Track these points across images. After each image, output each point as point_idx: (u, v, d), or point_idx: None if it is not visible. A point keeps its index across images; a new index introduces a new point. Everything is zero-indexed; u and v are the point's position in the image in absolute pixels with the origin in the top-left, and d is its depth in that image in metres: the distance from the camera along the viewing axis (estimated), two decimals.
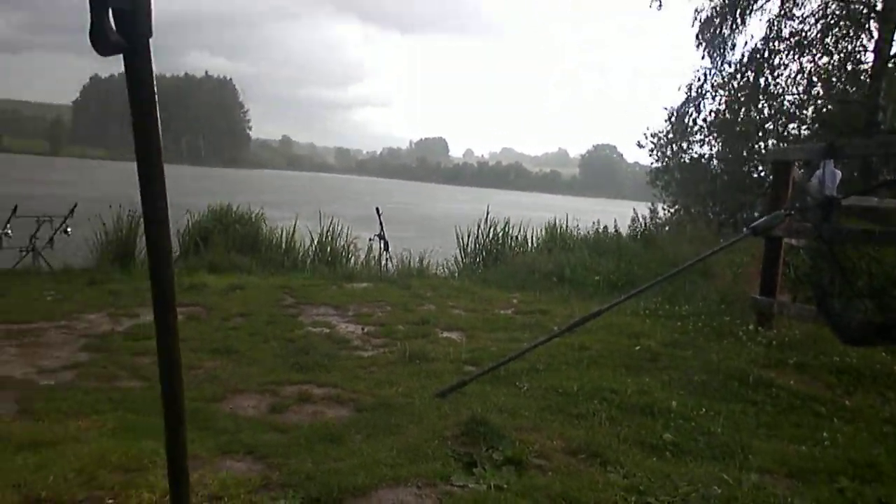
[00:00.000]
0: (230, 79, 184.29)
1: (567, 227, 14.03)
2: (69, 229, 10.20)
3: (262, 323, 6.62)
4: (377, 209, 10.73)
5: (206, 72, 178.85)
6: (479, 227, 13.45)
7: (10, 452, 3.26)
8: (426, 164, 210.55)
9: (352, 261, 12.05)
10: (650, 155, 19.06)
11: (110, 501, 2.87)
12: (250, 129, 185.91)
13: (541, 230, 14.16)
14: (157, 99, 0.86)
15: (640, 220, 14.60)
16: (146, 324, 6.36)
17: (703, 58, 17.78)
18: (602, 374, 5.05)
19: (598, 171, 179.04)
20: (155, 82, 0.84)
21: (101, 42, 0.82)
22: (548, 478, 3.28)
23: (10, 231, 9.79)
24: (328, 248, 12.14)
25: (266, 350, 5.62)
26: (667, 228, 15.67)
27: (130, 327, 6.23)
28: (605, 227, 13.56)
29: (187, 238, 11.29)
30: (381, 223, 10.73)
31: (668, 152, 18.62)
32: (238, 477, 3.12)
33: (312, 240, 12.29)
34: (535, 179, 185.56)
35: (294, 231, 12.24)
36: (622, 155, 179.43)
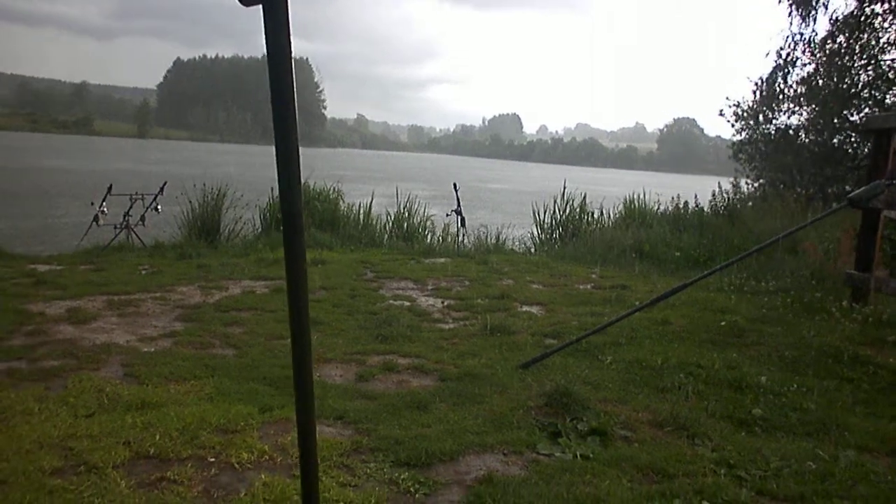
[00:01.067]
0: (306, 59, 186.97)
1: (645, 202, 13.76)
2: (159, 206, 10.63)
3: (344, 296, 6.77)
4: (454, 185, 10.76)
5: None
6: (555, 202, 13.32)
7: (119, 412, 3.47)
8: (499, 141, 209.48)
9: (428, 237, 12.14)
10: (732, 126, 18.31)
11: (212, 459, 3.03)
12: (325, 108, 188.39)
13: (618, 206, 13.95)
14: (292, 51, 0.89)
15: (723, 194, 14.13)
16: (235, 296, 6.63)
17: (789, 14, 16.69)
18: (687, 348, 4.96)
19: (678, 146, 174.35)
20: (291, 34, 0.88)
21: None
22: (634, 449, 3.26)
23: (105, 209, 10.29)
24: (405, 225, 12.26)
25: (350, 322, 5.75)
26: (750, 204, 15.07)
27: (220, 299, 6.47)
28: (686, 203, 13.19)
29: (268, 214, 11.59)
30: (457, 199, 10.76)
31: (752, 123, 17.84)
32: (330, 440, 3.24)
33: (389, 216, 12.44)
34: (610, 155, 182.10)
35: (370, 208, 12.41)
36: (703, 129, 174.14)
